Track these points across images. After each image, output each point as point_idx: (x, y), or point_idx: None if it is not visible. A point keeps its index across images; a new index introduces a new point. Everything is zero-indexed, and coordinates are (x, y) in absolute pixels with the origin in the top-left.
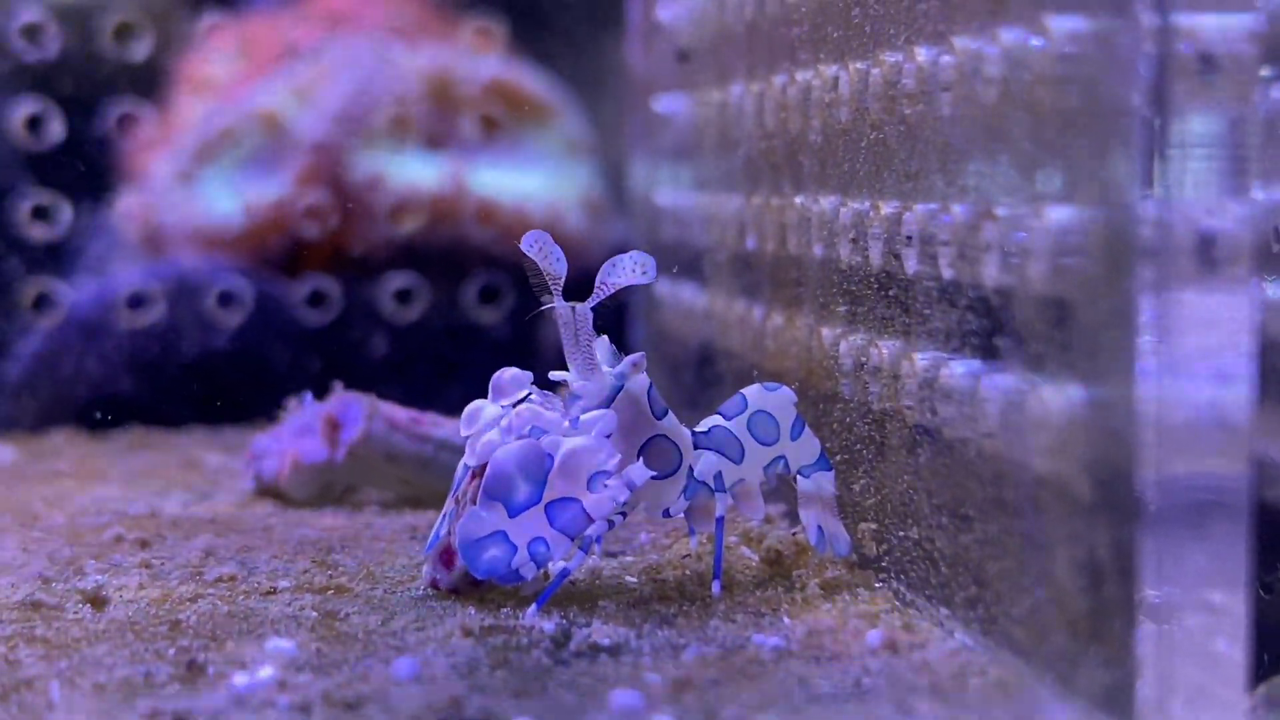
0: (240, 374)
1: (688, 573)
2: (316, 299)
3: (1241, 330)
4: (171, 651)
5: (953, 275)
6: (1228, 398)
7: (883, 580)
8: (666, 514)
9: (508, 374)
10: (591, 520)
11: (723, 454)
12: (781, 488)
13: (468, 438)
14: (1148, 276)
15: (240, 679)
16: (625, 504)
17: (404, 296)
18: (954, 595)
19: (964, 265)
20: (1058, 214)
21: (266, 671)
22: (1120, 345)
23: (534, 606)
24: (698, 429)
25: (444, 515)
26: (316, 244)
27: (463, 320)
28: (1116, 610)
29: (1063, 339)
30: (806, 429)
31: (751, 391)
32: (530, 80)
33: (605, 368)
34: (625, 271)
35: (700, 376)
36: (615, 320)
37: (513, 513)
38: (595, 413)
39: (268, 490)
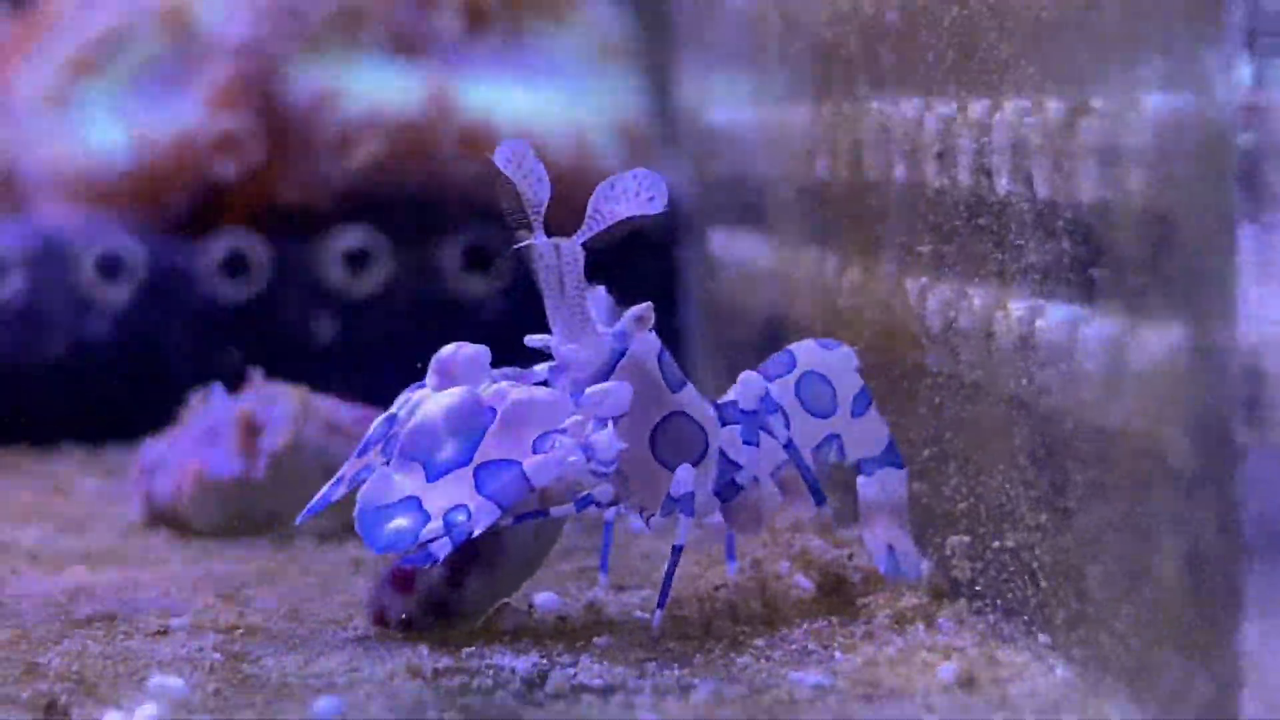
0: (129, 370)
1: (718, 605)
2: (235, 265)
3: None
4: (25, 695)
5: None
6: None
7: (977, 611)
8: (666, 508)
9: (462, 354)
10: (531, 487)
11: (763, 428)
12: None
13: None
14: None
15: (112, 718)
16: (614, 493)
17: (357, 260)
18: (1053, 616)
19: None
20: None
21: (148, 710)
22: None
23: (658, 611)
24: (725, 398)
25: (339, 476)
26: (236, 189)
27: (439, 293)
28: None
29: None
30: (873, 408)
31: (803, 348)
32: None
33: (601, 327)
34: (626, 196)
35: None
36: (663, 293)
37: (432, 476)
38: (604, 386)
39: (161, 516)
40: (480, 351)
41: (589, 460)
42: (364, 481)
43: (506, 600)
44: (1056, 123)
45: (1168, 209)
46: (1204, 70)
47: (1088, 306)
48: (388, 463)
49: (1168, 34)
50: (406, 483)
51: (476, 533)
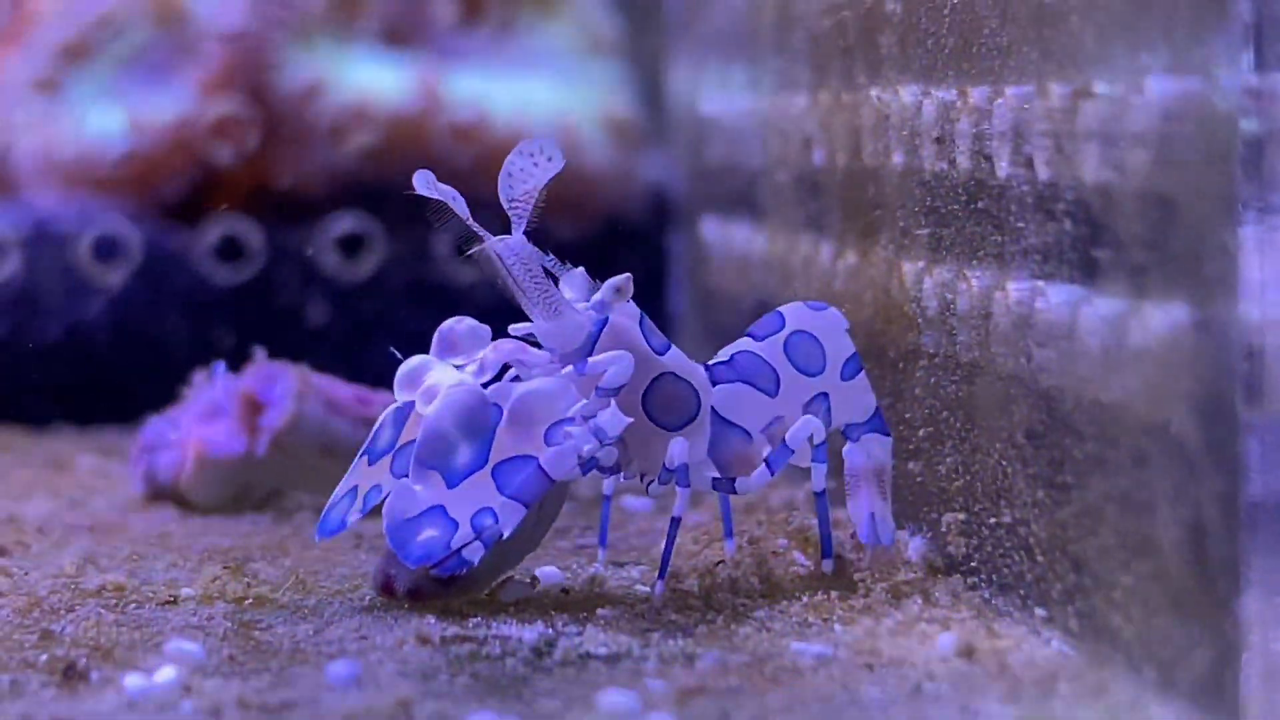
0: (123, 354)
1: (718, 580)
2: (230, 250)
3: None
4: (43, 659)
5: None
6: None
7: (973, 586)
8: (664, 476)
9: (464, 325)
10: (551, 481)
11: (752, 385)
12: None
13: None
14: None
15: (133, 680)
16: (616, 457)
17: (351, 245)
18: (1049, 590)
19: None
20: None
21: (167, 673)
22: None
23: (659, 583)
24: (717, 359)
25: (348, 487)
26: (230, 175)
27: (432, 278)
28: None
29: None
30: (863, 374)
31: (792, 309)
32: None
33: (581, 305)
34: (528, 172)
35: None
36: (653, 285)
37: (452, 482)
38: (606, 355)
39: (163, 492)
40: (481, 326)
41: (601, 445)
42: (380, 502)
43: (510, 573)
44: (1059, 107)
45: (1171, 191)
46: (1208, 55)
47: (1089, 286)
48: (396, 471)
49: (1171, 18)
50: (428, 492)
51: (506, 534)
